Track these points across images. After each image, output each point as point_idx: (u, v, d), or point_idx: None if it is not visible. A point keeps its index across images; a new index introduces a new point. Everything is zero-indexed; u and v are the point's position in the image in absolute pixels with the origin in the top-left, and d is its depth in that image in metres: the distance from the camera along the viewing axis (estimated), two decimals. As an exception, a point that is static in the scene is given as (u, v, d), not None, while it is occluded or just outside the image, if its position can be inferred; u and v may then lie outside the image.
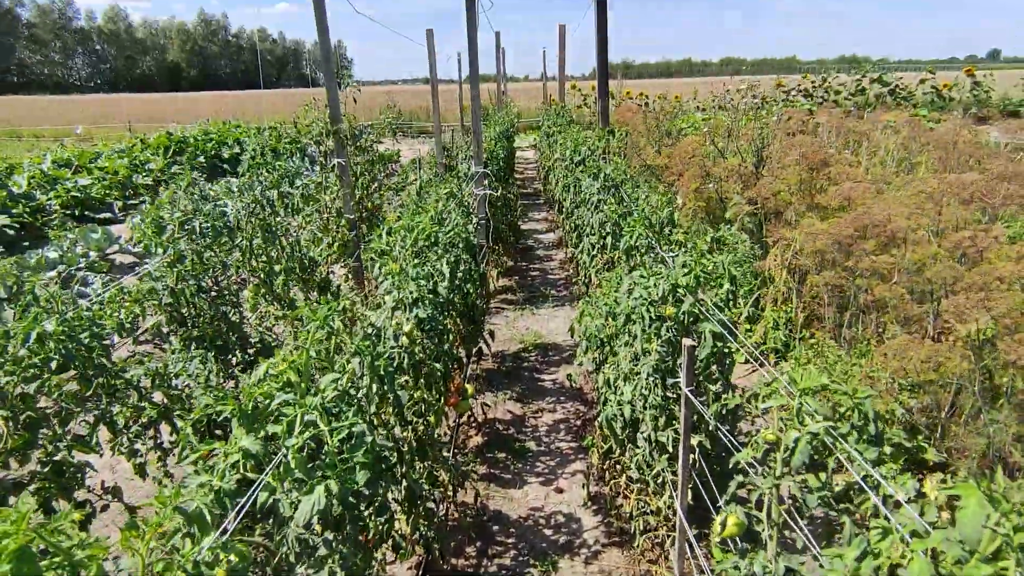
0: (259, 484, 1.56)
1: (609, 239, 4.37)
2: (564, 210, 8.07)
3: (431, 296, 2.94)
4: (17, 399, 2.20)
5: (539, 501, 3.83)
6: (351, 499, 1.65)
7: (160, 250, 3.45)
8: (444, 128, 13.55)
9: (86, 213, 11.28)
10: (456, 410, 3.98)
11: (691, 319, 3.00)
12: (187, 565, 1.09)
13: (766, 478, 1.77)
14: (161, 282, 3.48)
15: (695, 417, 2.74)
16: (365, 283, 7.01)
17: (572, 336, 5.00)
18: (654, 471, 3.11)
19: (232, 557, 1.17)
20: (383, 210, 7.55)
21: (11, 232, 9.38)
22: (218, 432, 3.42)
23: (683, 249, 3.46)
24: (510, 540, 3.49)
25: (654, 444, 3.01)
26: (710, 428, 2.96)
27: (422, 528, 2.71)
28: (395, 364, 2.38)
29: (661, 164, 9.12)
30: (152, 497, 3.67)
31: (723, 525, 1.88)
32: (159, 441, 3.21)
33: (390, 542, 2.46)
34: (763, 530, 1.75)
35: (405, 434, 2.56)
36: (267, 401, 1.80)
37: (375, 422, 2.06)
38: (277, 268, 4.63)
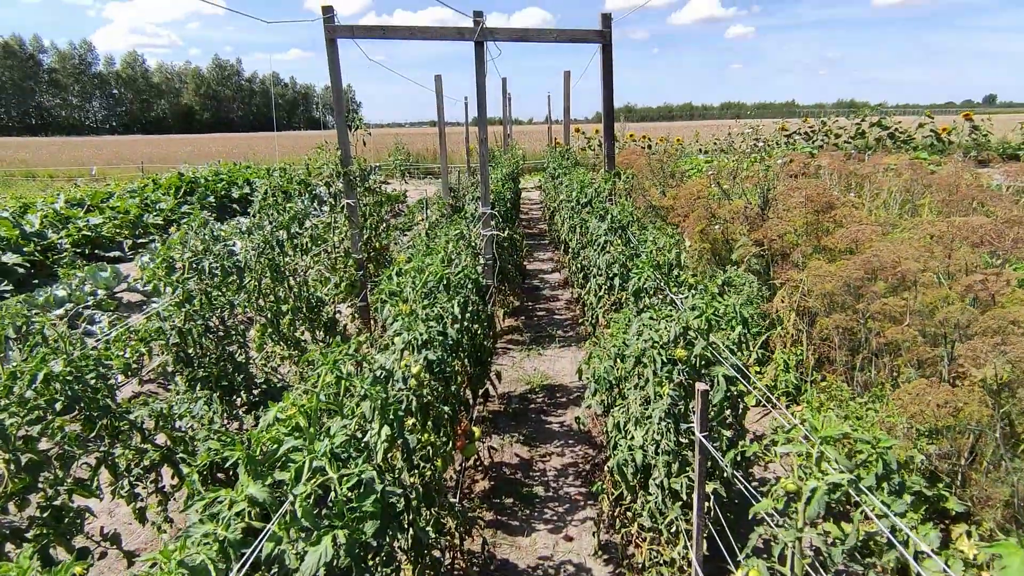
0: (265, 534, 1.51)
1: (617, 280, 4.37)
2: (570, 250, 8.11)
3: (441, 338, 2.92)
4: (20, 441, 2.17)
5: (548, 550, 3.71)
6: (358, 550, 1.59)
7: (169, 289, 3.45)
8: (450, 169, 13.77)
9: (96, 251, 11.39)
10: (463, 453, 3.90)
11: (703, 363, 2.97)
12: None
13: (788, 530, 1.70)
14: (169, 322, 3.47)
15: (709, 463, 2.67)
16: (372, 323, 7.00)
17: (580, 378, 4.95)
18: (667, 519, 3.02)
19: None
20: (390, 250, 7.61)
21: (21, 270, 9.45)
22: (221, 476, 3.35)
23: (692, 291, 3.44)
24: (518, 592, 3.36)
25: (667, 491, 2.92)
26: (725, 475, 2.89)
27: (427, 578, 2.62)
28: (404, 407, 2.34)
29: (666, 205, 9.20)
30: (151, 543, 3.56)
31: (745, 580, 1.80)
32: (160, 485, 3.14)
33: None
34: (787, 586, 1.68)
35: (412, 480, 2.50)
36: (275, 447, 1.76)
37: (383, 468, 2.01)
38: (284, 308, 4.63)
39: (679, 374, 2.91)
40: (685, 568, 2.98)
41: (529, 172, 25.78)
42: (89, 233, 11.49)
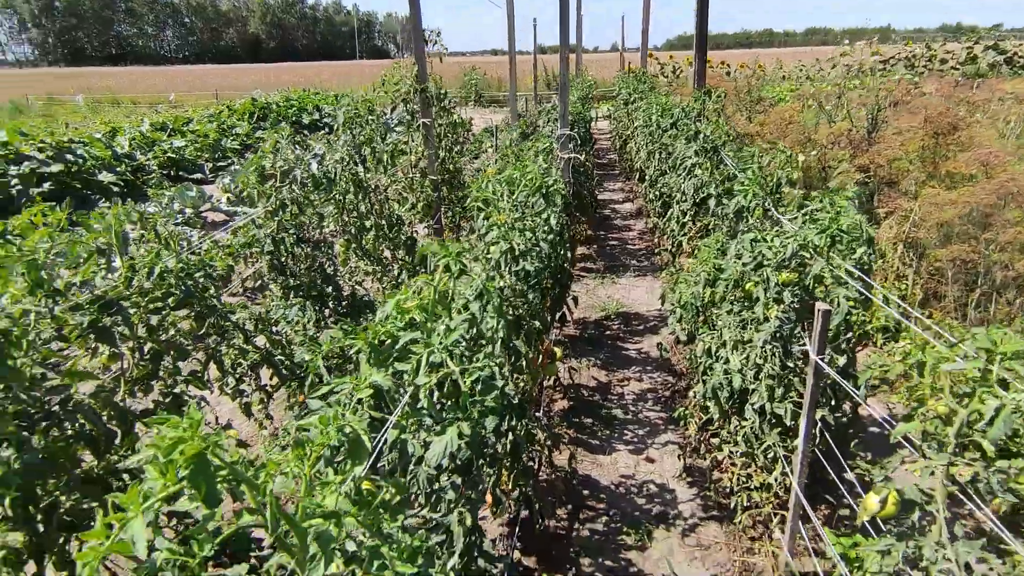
0: (390, 423, 1.50)
1: (712, 202, 4.10)
2: (648, 178, 7.77)
3: (536, 249, 2.83)
4: (143, 330, 2.26)
5: (629, 469, 3.71)
6: (479, 444, 1.57)
7: (263, 198, 3.49)
8: (517, 96, 13.32)
9: (180, 173, 11.84)
10: (544, 372, 3.89)
11: (815, 283, 2.76)
12: (344, 488, 1.03)
13: (937, 454, 1.56)
14: (264, 230, 3.53)
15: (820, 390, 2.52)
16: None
17: (662, 305, 4.80)
18: (764, 444, 2.92)
19: (391, 488, 1.11)
20: (462, 174, 7.50)
21: (116, 189, 9.96)
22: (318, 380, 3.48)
23: (802, 211, 3.18)
24: (601, 506, 3.39)
25: (768, 416, 2.80)
26: (832, 403, 2.74)
27: (522, 485, 2.65)
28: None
29: (752, 132, 8.60)
30: (252, 438, 3.77)
31: (882, 503, 1.69)
32: (261, 383, 3.29)
33: (490, 497, 2.41)
34: (937, 510, 1.55)
35: (510, 388, 2.48)
36: (389, 341, 1.74)
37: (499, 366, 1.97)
38: (368, 224, 4.65)
39: (791, 295, 2.72)
40: (781, 494, 2.89)
41: (597, 100, 24.75)
42: (173, 156, 11.93)
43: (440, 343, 1.64)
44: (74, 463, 1.87)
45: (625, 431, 4.11)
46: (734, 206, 3.32)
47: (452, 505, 1.54)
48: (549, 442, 3.14)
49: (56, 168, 9.27)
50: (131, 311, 2.24)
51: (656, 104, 8.50)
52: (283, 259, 3.65)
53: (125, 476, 2.11)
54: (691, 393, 3.87)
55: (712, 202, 3.97)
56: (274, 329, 3.47)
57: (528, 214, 3.20)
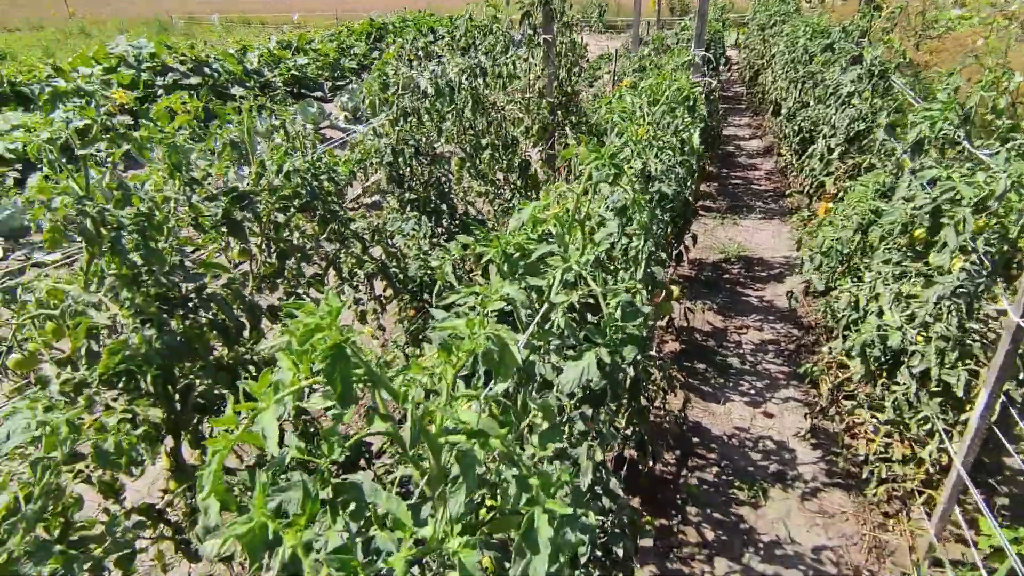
0: (522, 341, 1.36)
1: (880, 133, 3.53)
2: (785, 111, 6.97)
3: (673, 173, 2.53)
4: (270, 227, 2.27)
5: (744, 422, 3.45)
6: (618, 373, 1.40)
7: (384, 107, 3.40)
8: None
9: (302, 91, 12.22)
10: (661, 309, 3.64)
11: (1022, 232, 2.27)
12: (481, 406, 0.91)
13: None
14: (384, 139, 3.46)
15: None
16: (558, 173, 6.75)
17: (797, 250, 4.32)
18: (918, 414, 2.55)
19: (540, 412, 0.98)
20: (579, 98, 7.09)
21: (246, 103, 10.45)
22: (427, 298, 3.46)
23: (1008, 145, 2.61)
24: (711, 455, 3.19)
25: (932, 383, 2.42)
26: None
27: (635, 424, 2.49)
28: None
29: (921, 61, 7.40)
30: (370, 340, 3.84)
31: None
32: (376, 294, 3.31)
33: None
34: None
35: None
36: (519, 254, 1.58)
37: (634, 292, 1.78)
38: (483, 143, 4.48)
39: (984, 244, 2.27)
40: (932, 471, 2.55)
41: (727, 28, 22.54)
42: (296, 73, 12.28)
43: (581, 259, 1.46)
44: (206, 350, 1.92)
45: (741, 381, 3.82)
46: (914, 136, 2.79)
47: (580, 437, 1.41)
48: (664, 382, 2.94)
49: (194, 80, 9.84)
50: (260, 208, 2.24)
51: (804, 26, 7.50)
52: (401, 171, 3.58)
53: (252, 368, 2.17)
54: (825, 349, 3.49)
55: (880, 133, 3.40)
56: (390, 242, 3.46)
57: (665, 132, 2.88)
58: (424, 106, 3.44)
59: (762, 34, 11.01)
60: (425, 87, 3.38)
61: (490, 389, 1.06)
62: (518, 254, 1.59)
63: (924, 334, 2.47)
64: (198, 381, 1.91)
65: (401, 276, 3.29)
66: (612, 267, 1.82)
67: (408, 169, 3.58)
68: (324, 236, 2.75)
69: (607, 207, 1.78)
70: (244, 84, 10.78)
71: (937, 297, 2.38)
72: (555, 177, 6.52)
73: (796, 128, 6.35)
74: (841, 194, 4.58)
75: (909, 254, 2.97)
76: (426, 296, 3.48)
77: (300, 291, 2.50)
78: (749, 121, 10.81)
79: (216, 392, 1.97)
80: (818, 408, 3.33)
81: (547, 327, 1.41)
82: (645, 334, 2.00)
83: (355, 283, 3.11)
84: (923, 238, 2.90)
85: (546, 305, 1.44)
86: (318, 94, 12.18)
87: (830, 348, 3.38)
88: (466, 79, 4.14)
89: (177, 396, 1.83)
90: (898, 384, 2.66)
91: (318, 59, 13.29)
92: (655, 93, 2.67)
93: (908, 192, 2.90)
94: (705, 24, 5.48)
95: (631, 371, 2.21)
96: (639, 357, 2.64)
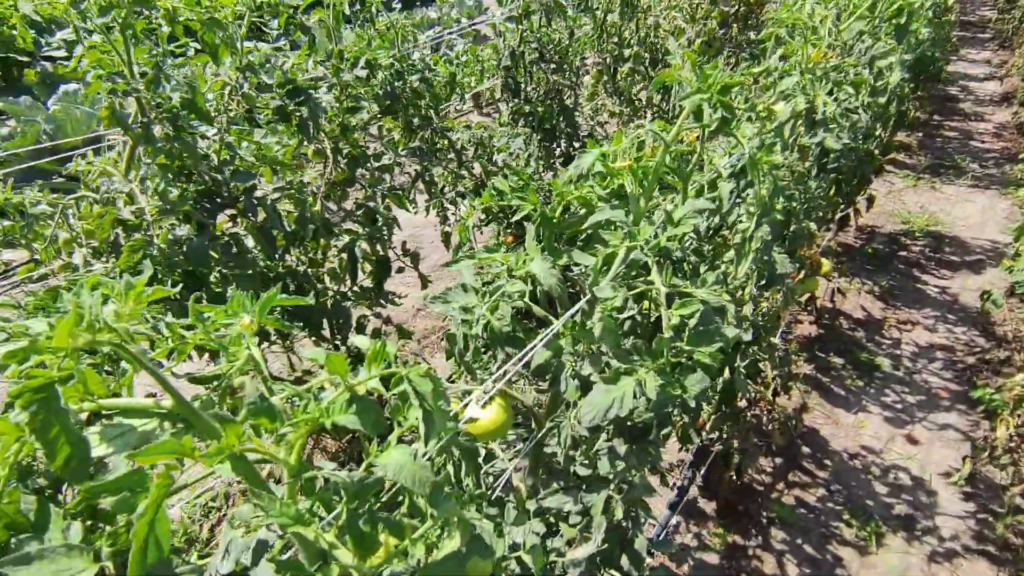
0: (544, 338, 0.98)
1: None
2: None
3: (851, 118, 1.86)
4: (338, 128, 2.01)
5: (878, 441, 2.80)
6: (668, 409, 0.98)
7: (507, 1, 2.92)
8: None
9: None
10: (799, 288, 2.97)
11: None
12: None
13: None
14: (504, 39, 3.02)
15: None
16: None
17: (1016, 240, 3.32)
18: None
19: None
20: (764, 8, 5.92)
21: (407, -11, 10.24)
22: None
23: None
24: (821, 474, 2.63)
25: None
26: None
27: (722, 429, 2.04)
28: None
29: None
30: (436, 267, 3.62)
31: None
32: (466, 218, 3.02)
33: (677, 433, 1.86)
34: None
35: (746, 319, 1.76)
36: (582, 212, 1.16)
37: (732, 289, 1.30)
38: (627, 53, 3.84)
39: None
40: None
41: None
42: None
43: (652, 237, 1.01)
44: (244, 262, 1.76)
45: (887, 390, 3.10)
46: None
47: (605, 479, 1.04)
48: (777, 381, 2.40)
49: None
50: (330, 103, 1.98)
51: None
52: (519, 79, 3.14)
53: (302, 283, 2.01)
54: (1019, 377, 2.66)
55: None
56: (496, 158, 3.10)
57: (855, 59, 2.12)
58: (553, 2, 2.90)
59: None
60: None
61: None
62: (582, 211, 1.18)
63: None
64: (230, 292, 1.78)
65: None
66: (714, 249, 1.33)
67: (528, 76, 3.13)
68: (413, 144, 2.46)
69: (723, 167, 1.26)
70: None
71: None
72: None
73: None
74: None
75: None
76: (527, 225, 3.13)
77: (372, 205, 2.26)
78: (990, 56, 8.59)
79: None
80: (987, 452, 2.58)
81: (587, 328, 1.01)
82: (749, 333, 1.51)
83: (444, 200, 2.84)
84: None
85: (586, 297, 1.03)
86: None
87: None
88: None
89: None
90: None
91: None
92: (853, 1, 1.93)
93: None
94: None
95: (726, 372, 1.75)
96: (753, 349, 2.12)
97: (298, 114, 1.84)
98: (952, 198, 4.84)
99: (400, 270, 2.37)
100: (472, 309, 1.00)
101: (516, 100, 3.16)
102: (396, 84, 2.15)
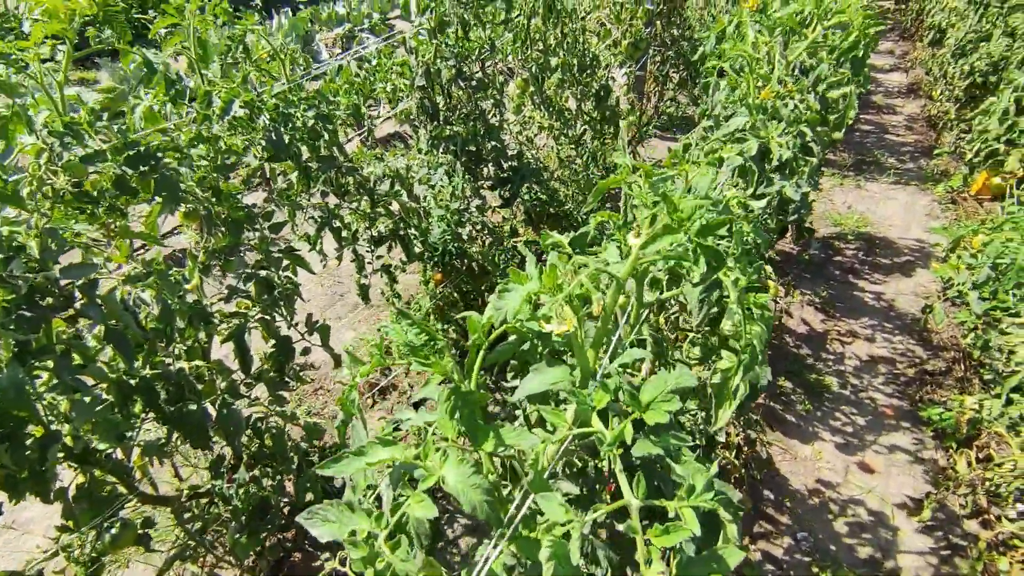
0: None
1: None
2: (954, 42, 5.43)
3: (804, 163, 1.65)
4: (209, 193, 1.61)
5: (835, 474, 2.69)
6: None
7: (418, 13, 2.56)
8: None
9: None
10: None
11: None
12: None
13: None
14: (418, 55, 2.65)
15: None
16: (645, 100, 5.66)
17: (953, 254, 3.30)
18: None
19: None
20: (686, 5, 5.80)
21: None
22: (456, 264, 2.78)
23: None
24: (785, 520, 2.49)
25: None
26: None
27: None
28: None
29: None
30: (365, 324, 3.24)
31: None
32: (389, 265, 2.66)
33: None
34: None
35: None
36: (513, 338, 0.86)
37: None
38: (554, 62, 3.56)
39: None
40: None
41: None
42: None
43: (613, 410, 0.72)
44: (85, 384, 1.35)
45: (837, 412, 3.01)
46: None
47: None
48: (740, 438, 2.21)
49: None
50: (196, 163, 1.58)
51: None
52: (437, 98, 2.79)
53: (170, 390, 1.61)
54: (970, 401, 2.61)
55: None
56: (415, 189, 2.74)
57: (800, 84, 1.93)
58: (471, 12, 2.57)
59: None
60: (474, -14, 2.50)
61: None
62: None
63: None
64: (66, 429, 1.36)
65: (420, 241, 2.61)
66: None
67: (446, 95, 2.78)
68: (310, 191, 2.07)
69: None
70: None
71: None
72: (641, 107, 5.46)
73: (965, 69, 4.92)
74: (1026, 176, 3.42)
75: None
76: (456, 263, 2.81)
77: (267, 272, 1.87)
78: (892, 47, 8.92)
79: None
80: (948, 487, 2.51)
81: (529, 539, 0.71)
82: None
83: (358, 245, 2.46)
84: None
85: (527, 499, 0.74)
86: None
87: (980, 404, 2.49)
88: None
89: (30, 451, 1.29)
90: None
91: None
92: (795, 26, 1.71)
93: None
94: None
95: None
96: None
97: (159, 177, 1.44)
98: (876, 196, 4.89)
99: (306, 351, 1.99)
100: (368, 540, 0.68)
101: (435, 123, 2.81)
102: (281, 129, 1.76)
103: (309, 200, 2.18)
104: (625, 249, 1.00)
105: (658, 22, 5.35)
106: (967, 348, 3.15)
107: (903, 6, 9.60)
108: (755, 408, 2.89)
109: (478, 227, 2.90)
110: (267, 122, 1.69)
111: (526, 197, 3.25)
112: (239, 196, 1.68)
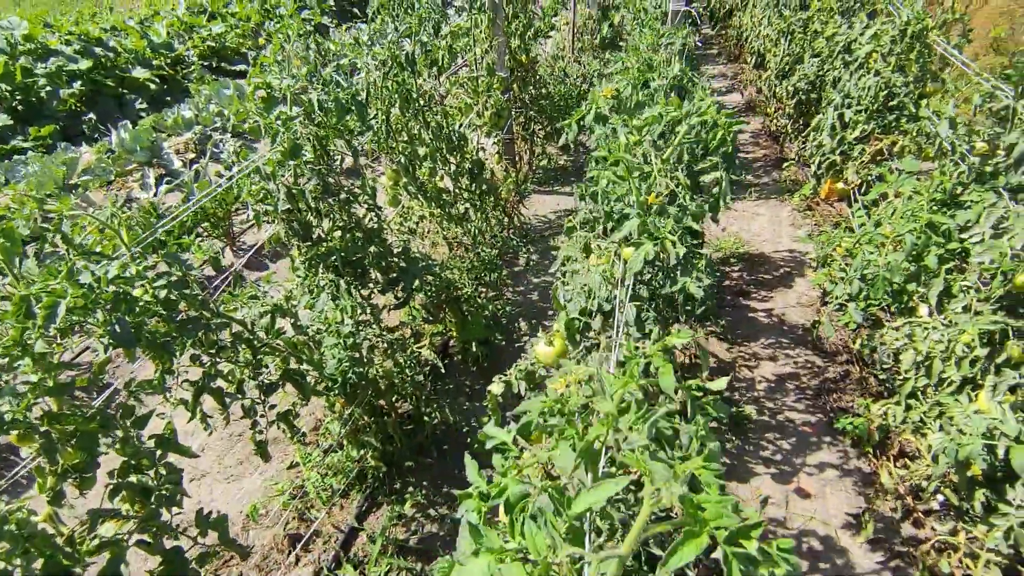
0: None
1: (944, 130, 2.68)
2: (775, 67, 6.05)
3: (688, 267, 1.68)
4: (43, 420, 1.34)
5: (778, 508, 2.73)
6: None
7: (269, 136, 2.41)
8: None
9: (222, 64, 10.74)
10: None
11: None
12: None
13: None
14: (276, 180, 2.49)
15: None
16: (518, 160, 5.78)
17: (823, 265, 3.53)
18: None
19: None
20: (537, 66, 6.06)
21: (153, 86, 9.02)
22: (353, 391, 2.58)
23: None
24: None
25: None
26: None
27: None
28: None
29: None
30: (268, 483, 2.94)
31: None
32: (290, 410, 2.42)
33: None
34: None
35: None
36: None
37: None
38: (422, 151, 3.51)
39: None
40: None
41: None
42: (213, 44, 10.76)
43: None
44: None
45: (763, 441, 3.08)
46: (1020, 149, 1.96)
47: None
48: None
49: (85, 64, 8.36)
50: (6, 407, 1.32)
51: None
52: (308, 217, 2.63)
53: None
54: (876, 408, 2.75)
55: (944, 131, 2.55)
56: (300, 314, 2.54)
57: (684, 181, 1.98)
58: (323, 129, 2.46)
59: (732, -32, 9.90)
60: (322, 103, 2.39)
61: None
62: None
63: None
64: None
65: (315, 375, 2.40)
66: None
67: (316, 214, 2.63)
68: (173, 367, 1.83)
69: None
70: (150, 63, 9.31)
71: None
72: (516, 169, 5.56)
73: (790, 89, 5.47)
74: (865, 186, 3.78)
75: (1005, 302, 2.20)
76: (359, 390, 2.61)
77: (135, 479, 1.60)
78: (724, 70, 9.85)
79: None
80: (879, 498, 2.61)
81: None
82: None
83: (246, 399, 2.21)
84: (1027, 287, 2.13)
85: None
86: (241, 67, 10.74)
87: (884, 411, 2.64)
88: (387, 75, 3.13)
89: None
90: (1009, 505, 1.93)
91: (238, 24, 11.72)
92: (650, 125, 1.77)
93: (1001, 225, 2.10)
94: (683, -29, 4.46)
95: None
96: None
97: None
98: (745, 214, 5.24)
99: (202, 561, 1.71)
100: None
101: (308, 243, 2.64)
102: (131, 313, 1.53)
103: (177, 369, 1.93)
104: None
105: (515, 86, 5.53)
106: (857, 351, 3.37)
107: (724, 32, 10.66)
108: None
109: (377, 342, 2.74)
110: (106, 315, 1.46)
111: (420, 294, 3.13)
112: (84, 411, 1.42)
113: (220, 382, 2.12)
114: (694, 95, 2.59)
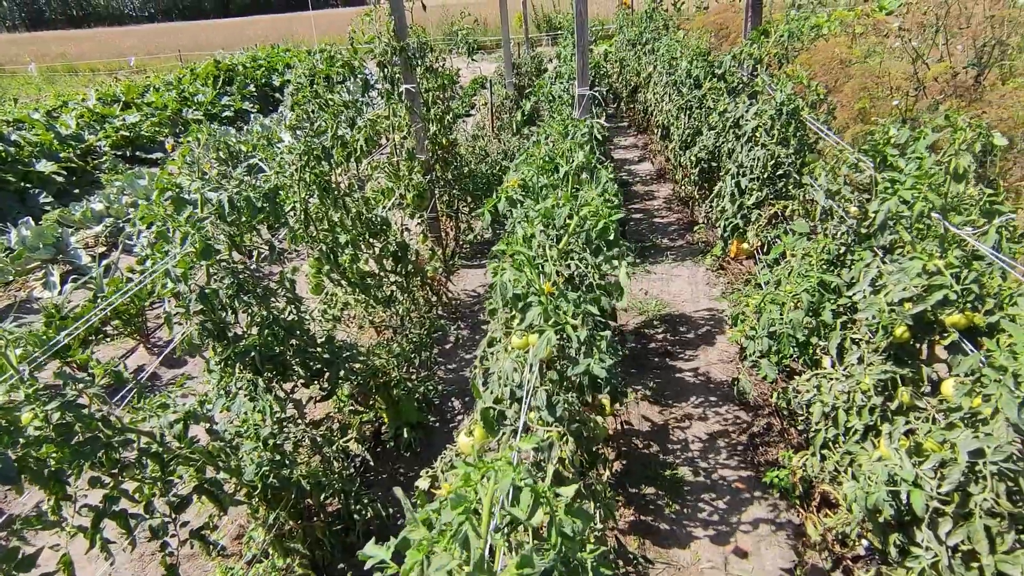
0: None
1: (821, 199, 2.96)
2: (678, 139, 6.55)
3: (597, 348, 1.75)
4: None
5: (718, 571, 2.74)
6: None
7: (179, 236, 2.37)
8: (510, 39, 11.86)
9: (137, 153, 10.51)
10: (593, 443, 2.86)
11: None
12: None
13: None
14: (187, 282, 2.43)
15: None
16: (443, 238, 5.88)
17: (735, 324, 3.72)
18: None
19: None
20: (457, 147, 6.29)
21: (60, 179, 8.68)
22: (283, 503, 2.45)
23: (996, 221, 2.07)
24: (692, 647, 2.44)
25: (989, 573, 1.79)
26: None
27: None
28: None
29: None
30: None
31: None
32: (207, 533, 2.26)
33: None
34: None
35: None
36: None
37: None
38: (343, 239, 3.53)
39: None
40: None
41: (594, 40, 22.84)
42: (127, 133, 10.57)
43: None
44: None
45: (700, 503, 3.13)
46: (883, 212, 2.20)
47: None
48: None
49: (-15, 159, 7.99)
50: None
51: (682, 47, 7.19)
52: (220, 315, 2.56)
53: None
54: (796, 460, 2.86)
55: (822, 200, 2.82)
56: (215, 426, 2.42)
57: (587, 267, 2.08)
58: (234, 229, 2.44)
59: (635, 50, 10.77)
60: (234, 202, 2.39)
61: None
62: None
63: (953, 500, 1.85)
64: None
65: (233, 482, 2.27)
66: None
67: (232, 312, 2.57)
68: (68, 500, 1.69)
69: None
70: (56, 156, 8.99)
71: (970, 457, 1.75)
72: (442, 247, 5.65)
73: (694, 159, 5.91)
74: (767, 246, 4.08)
75: (892, 354, 2.39)
76: (282, 494, 2.48)
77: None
78: (635, 141, 10.54)
79: None
80: (809, 550, 2.68)
81: None
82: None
83: (154, 519, 2.06)
84: (906, 338, 2.33)
85: None
86: (158, 155, 10.54)
87: (804, 462, 2.75)
88: (304, 167, 3.18)
89: None
90: (919, 547, 2.03)
91: (154, 113, 11.59)
92: (548, 220, 1.88)
93: (877, 282, 2.32)
94: (587, 58, 4.83)
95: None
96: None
97: None
98: (664, 277, 5.50)
99: None
100: None
101: (224, 343, 2.56)
102: (14, 447, 1.42)
103: (74, 493, 1.78)
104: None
105: (437, 166, 5.69)
106: (775, 405, 3.53)
107: (632, 107, 11.46)
108: (630, 531, 2.89)
109: (302, 438, 2.63)
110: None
111: (347, 383, 3.06)
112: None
113: (125, 503, 1.97)
114: (601, 177, 2.77)
